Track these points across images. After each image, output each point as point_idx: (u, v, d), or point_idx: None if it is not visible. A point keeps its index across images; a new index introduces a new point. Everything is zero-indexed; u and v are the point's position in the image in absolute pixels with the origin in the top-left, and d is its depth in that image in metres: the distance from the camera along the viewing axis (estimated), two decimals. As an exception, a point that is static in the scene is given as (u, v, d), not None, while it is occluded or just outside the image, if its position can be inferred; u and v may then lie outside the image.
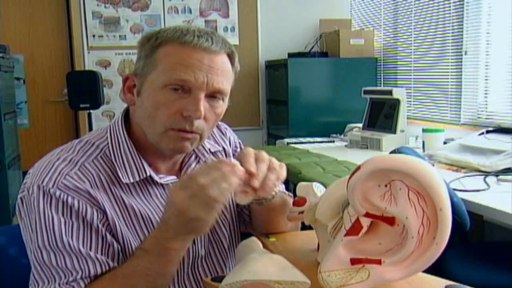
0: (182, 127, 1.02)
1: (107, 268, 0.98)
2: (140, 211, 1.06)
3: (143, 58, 1.05)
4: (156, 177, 1.09)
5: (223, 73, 1.04)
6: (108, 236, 1.00)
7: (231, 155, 1.27)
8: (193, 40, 1.01)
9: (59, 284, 0.96)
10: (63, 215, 0.98)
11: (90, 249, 0.97)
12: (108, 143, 1.07)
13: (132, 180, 1.05)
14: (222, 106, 1.08)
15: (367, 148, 3.45)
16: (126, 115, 1.13)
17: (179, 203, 0.91)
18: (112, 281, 0.96)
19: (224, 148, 1.26)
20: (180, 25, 1.08)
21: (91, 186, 1.01)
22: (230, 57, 1.07)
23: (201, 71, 1.01)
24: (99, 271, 0.97)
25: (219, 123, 1.28)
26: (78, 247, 0.97)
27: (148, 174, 1.07)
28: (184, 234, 0.94)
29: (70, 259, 0.96)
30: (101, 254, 0.98)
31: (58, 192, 0.98)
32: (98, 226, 0.99)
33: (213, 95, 1.04)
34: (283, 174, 1.03)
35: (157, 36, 1.05)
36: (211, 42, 1.02)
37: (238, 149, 1.30)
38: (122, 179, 1.04)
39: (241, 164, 0.97)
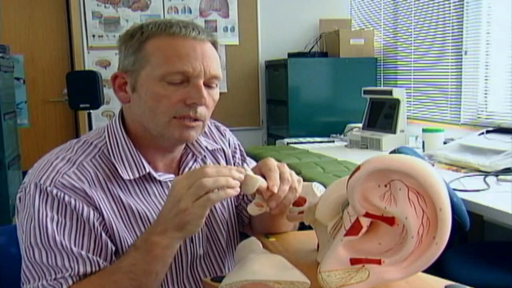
0: (187, 115, 1.04)
1: (97, 267, 0.98)
2: (138, 210, 1.06)
3: (131, 54, 1.06)
4: (155, 174, 1.09)
5: (215, 60, 1.07)
6: (103, 236, 1.00)
7: (231, 157, 1.27)
8: (180, 30, 1.04)
9: (46, 281, 0.96)
10: (57, 213, 0.98)
11: (82, 249, 0.98)
12: (106, 142, 1.08)
13: (131, 177, 1.06)
14: (217, 92, 1.10)
15: (367, 148, 3.45)
16: (123, 113, 1.13)
17: (176, 191, 0.92)
18: (99, 278, 0.97)
19: (223, 149, 1.26)
20: (161, 19, 1.09)
21: (89, 185, 1.01)
22: (214, 45, 1.10)
23: (197, 60, 1.03)
24: (88, 270, 0.97)
25: (219, 124, 1.29)
26: (70, 246, 0.97)
27: (147, 170, 1.07)
28: (172, 229, 0.93)
29: (60, 257, 0.96)
30: (93, 254, 0.99)
31: (55, 191, 0.98)
32: (93, 225, 1.00)
33: (209, 81, 1.06)
34: (300, 190, 1.04)
35: (142, 31, 1.06)
36: (198, 32, 1.05)
37: (238, 151, 1.30)
38: (122, 176, 1.05)
39: (264, 178, 0.99)
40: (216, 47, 1.10)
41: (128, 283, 0.94)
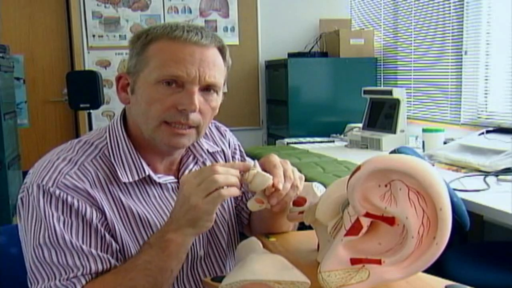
0: (177, 120, 1.03)
1: (109, 265, 0.98)
2: (138, 212, 1.06)
3: (135, 56, 1.06)
4: (154, 177, 1.09)
5: (215, 67, 1.05)
6: (107, 236, 1.01)
7: (230, 157, 1.27)
8: (182, 34, 1.03)
9: (59, 281, 0.95)
10: (63, 213, 0.98)
11: (91, 247, 0.98)
12: (107, 143, 1.08)
13: (131, 180, 1.06)
14: (217, 99, 1.08)
15: (367, 148, 3.45)
16: (125, 114, 1.13)
17: (186, 188, 0.93)
18: (114, 275, 0.97)
19: (223, 150, 1.26)
20: (169, 22, 1.08)
21: (91, 186, 1.01)
22: (221, 51, 1.08)
23: (193, 65, 1.02)
24: (100, 268, 0.97)
25: (219, 125, 1.29)
26: (80, 244, 0.97)
27: (147, 173, 1.07)
28: (185, 226, 0.95)
29: (71, 256, 0.96)
30: (102, 251, 0.99)
31: (57, 191, 0.98)
32: (97, 225, 1.00)
33: (206, 88, 1.05)
34: (301, 188, 1.04)
35: (147, 33, 1.06)
36: (201, 36, 1.03)
37: (237, 152, 1.30)
38: (121, 179, 1.05)
39: (268, 173, 0.99)
40: (223, 54, 1.08)
41: (144, 281, 0.95)
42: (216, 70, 1.05)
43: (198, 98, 1.03)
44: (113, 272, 0.97)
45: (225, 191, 0.92)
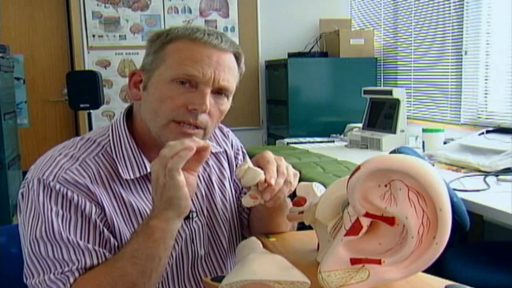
0: (186, 120, 1.04)
1: (103, 259, 0.98)
2: (138, 208, 1.06)
3: (152, 54, 1.07)
4: None
5: (230, 71, 1.06)
6: (106, 232, 1.01)
7: (233, 158, 1.27)
8: (203, 37, 1.04)
9: (53, 274, 0.96)
10: (62, 208, 0.98)
11: (88, 242, 0.98)
12: (109, 141, 1.08)
13: (132, 176, 1.06)
14: (226, 103, 1.09)
15: (367, 148, 3.45)
16: (129, 113, 1.14)
17: (153, 172, 0.94)
18: (104, 266, 0.97)
19: (226, 151, 1.26)
20: (190, 25, 1.09)
21: (91, 182, 1.02)
22: (237, 57, 1.09)
23: (209, 67, 1.03)
24: (95, 262, 0.97)
25: (221, 126, 1.29)
26: (76, 239, 0.97)
27: (148, 171, 1.07)
28: (164, 209, 0.94)
29: (66, 251, 0.96)
30: (99, 246, 0.99)
31: (57, 186, 0.99)
32: (96, 221, 1.00)
33: (218, 91, 1.06)
34: (295, 184, 1.05)
35: (167, 33, 1.07)
36: (220, 40, 1.05)
37: (240, 153, 1.30)
38: (122, 175, 1.05)
39: (261, 169, 1.00)
40: (238, 60, 1.10)
41: (133, 269, 0.94)
42: (231, 74, 1.07)
43: (209, 99, 1.04)
44: (104, 263, 0.98)
45: (170, 164, 0.91)
